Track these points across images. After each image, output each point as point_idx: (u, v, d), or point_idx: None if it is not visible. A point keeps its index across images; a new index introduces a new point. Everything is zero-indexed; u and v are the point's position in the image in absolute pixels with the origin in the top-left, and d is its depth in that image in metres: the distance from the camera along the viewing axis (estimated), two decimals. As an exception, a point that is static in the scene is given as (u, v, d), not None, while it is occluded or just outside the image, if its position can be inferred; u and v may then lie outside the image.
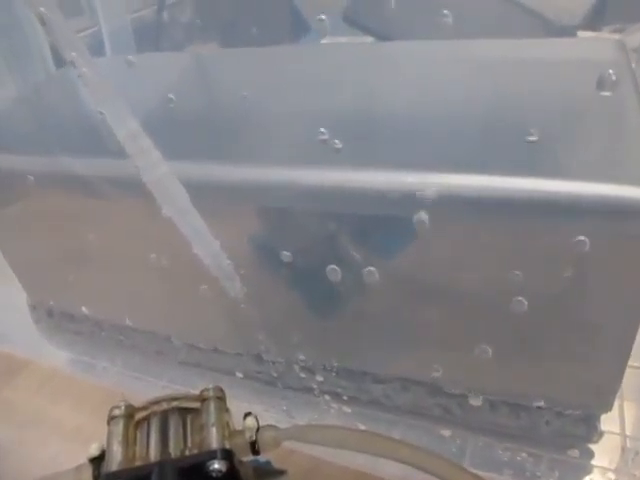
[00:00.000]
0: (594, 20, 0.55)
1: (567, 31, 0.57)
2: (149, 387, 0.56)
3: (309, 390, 0.50)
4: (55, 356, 0.63)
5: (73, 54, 0.26)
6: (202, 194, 0.34)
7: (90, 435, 0.35)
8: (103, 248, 0.48)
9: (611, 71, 0.30)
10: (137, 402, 0.38)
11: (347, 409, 0.49)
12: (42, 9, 0.29)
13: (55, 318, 0.63)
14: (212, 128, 0.43)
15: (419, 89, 0.44)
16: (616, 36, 0.52)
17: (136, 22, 0.73)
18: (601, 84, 0.31)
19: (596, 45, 0.48)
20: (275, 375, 0.50)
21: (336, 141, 0.33)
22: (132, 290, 0.50)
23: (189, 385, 0.55)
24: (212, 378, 0.54)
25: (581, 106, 0.37)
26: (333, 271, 0.37)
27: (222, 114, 0.46)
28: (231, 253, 0.36)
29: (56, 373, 0.59)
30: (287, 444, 0.40)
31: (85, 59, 0.26)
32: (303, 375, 0.48)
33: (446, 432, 0.46)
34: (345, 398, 0.48)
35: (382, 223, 0.37)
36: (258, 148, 0.38)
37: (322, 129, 0.33)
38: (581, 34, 0.55)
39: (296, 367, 0.46)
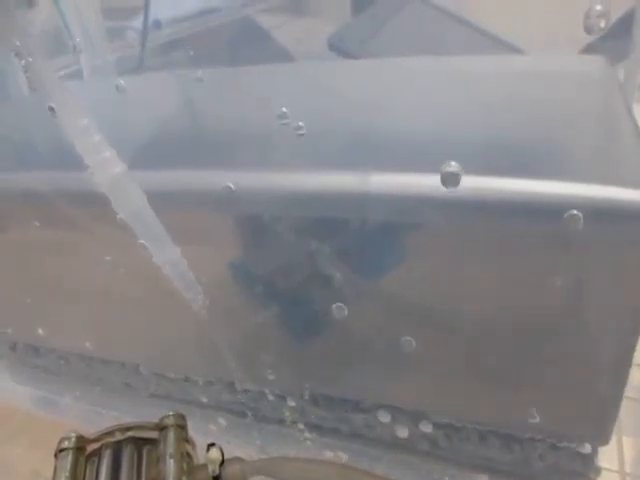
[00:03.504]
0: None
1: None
2: (115, 423, 0.52)
3: (287, 423, 0.46)
4: (17, 392, 0.59)
5: (17, 42, 0.24)
6: (161, 201, 0.32)
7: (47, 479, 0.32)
8: (63, 274, 0.45)
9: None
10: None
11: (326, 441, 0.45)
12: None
13: (18, 352, 0.59)
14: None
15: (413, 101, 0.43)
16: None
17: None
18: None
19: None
20: (250, 406, 0.46)
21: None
22: (96, 317, 0.47)
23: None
24: (184, 411, 0.51)
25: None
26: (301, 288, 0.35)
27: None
28: (192, 263, 0.34)
29: (16, 411, 0.56)
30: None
31: (31, 47, 0.24)
32: (280, 406, 0.45)
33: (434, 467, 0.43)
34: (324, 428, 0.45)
35: (368, 242, 0.34)
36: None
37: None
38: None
39: (269, 395, 0.43)
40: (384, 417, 0.42)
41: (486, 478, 0.41)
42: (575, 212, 0.25)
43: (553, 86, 0.38)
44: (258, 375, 0.42)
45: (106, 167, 0.28)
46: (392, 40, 0.66)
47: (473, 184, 0.28)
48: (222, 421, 0.49)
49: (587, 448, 0.37)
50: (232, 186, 0.31)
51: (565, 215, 0.26)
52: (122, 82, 0.34)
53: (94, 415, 0.54)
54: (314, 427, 0.44)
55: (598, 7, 0.23)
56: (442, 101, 0.39)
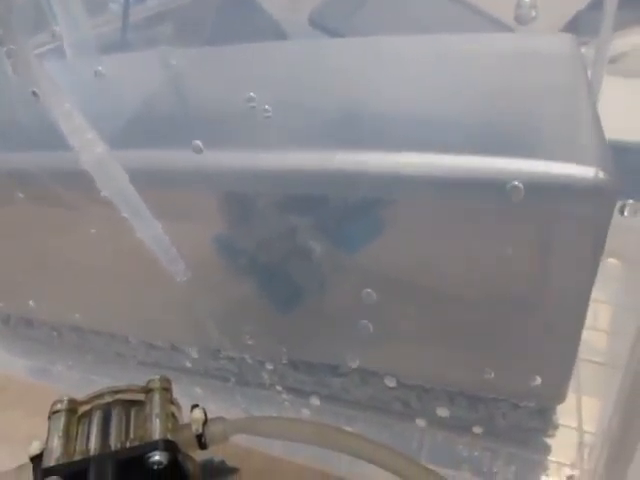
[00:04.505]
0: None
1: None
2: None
3: (269, 386, 0.49)
4: (11, 363, 0.61)
5: (-1, 30, 0.25)
6: (141, 178, 0.34)
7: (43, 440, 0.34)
8: (50, 247, 0.47)
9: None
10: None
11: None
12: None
13: (11, 325, 0.61)
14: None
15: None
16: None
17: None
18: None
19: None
20: (234, 372, 0.49)
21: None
22: (84, 289, 0.49)
23: (148, 386, 0.53)
24: (172, 377, 0.53)
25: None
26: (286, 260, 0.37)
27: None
28: (173, 236, 0.36)
29: (11, 381, 0.58)
30: (243, 442, 0.39)
31: (12, 35, 0.26)
32: (262, 371, 0.47)
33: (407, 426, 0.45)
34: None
35: (347, 215, 0.36)
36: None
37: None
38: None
39: (251, 361, 0.45)
40: (358, 381, 0.45)
41: (452, 435, 0.45)
42: (516, 183, 0.27)
43: (514, 65, 0.40)
44: (239, 341, 0.45)
45: (90, 148, 0.30)
46: (376, 16, 0.67)
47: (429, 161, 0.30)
48: (207, 385, 0.51)
49: (546, 407, 0.40)
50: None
51: (507, 186, 0.28)
52: (100, 68, 0.35)
53: (86, 382, 0.56)
54: (292, 390, 0.47)
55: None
56: (408, 80, 0.40)
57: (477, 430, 0.43)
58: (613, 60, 0.57)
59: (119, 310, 0.49)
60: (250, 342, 0.43)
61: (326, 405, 0.47)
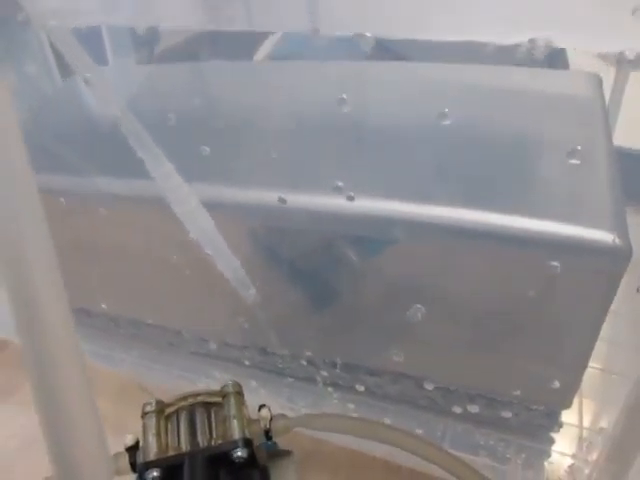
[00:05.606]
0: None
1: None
2: (163, 375, 0.62)
3: (310, 379, 0.56)
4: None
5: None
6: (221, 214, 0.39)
7: (113, 420, 0.41)
8: (124, 252, 0.53)
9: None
10: (153, 389, 0.43)
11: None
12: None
13: (73, 314, 0.67)
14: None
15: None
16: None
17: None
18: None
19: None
20: (279, 366, 0.56)
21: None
22: (153, 291, 0.55)
23: (200, 373, 0.61)
24: (222, 367, 0.60)
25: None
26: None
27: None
28: (247, 266, 0.42)
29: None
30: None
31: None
32: (306, 366, 0.54)
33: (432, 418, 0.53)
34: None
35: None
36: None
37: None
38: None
39: (300, 360, 0.52)
40: (390, 380, 0.52)
41: (471, 427, 0.52)
42: (555, 263, 0.34)
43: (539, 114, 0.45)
44: (292, 346, 0.51)
45: (183, 203, 0.35)
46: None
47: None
48: (257, 377, 0.58)
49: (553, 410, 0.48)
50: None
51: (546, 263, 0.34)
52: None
53: (144, 369, 0.63)
54: (332, 384, 0.54)
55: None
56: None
57: (492, 424, 0.50)
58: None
59: (186, 312, 0.56)
60: (301, 347, 0.50)
61: (362, 398, 0.55)
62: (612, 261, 0.35)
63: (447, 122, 0.40)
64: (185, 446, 0.41)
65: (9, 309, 0.25)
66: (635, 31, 0.26)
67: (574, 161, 0.40)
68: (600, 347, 0.56)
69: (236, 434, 0.41)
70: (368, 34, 0.32)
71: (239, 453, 0.40)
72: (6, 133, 0.20)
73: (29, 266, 0.22)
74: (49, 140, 0.53)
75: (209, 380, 0.59)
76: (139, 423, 0.42)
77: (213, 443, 0.41)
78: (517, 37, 0.29)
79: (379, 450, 0.51)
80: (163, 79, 0.61)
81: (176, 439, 0.41)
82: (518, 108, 0.47)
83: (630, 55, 0.27)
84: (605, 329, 0.57)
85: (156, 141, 0.36)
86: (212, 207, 0.42)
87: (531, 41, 0.28)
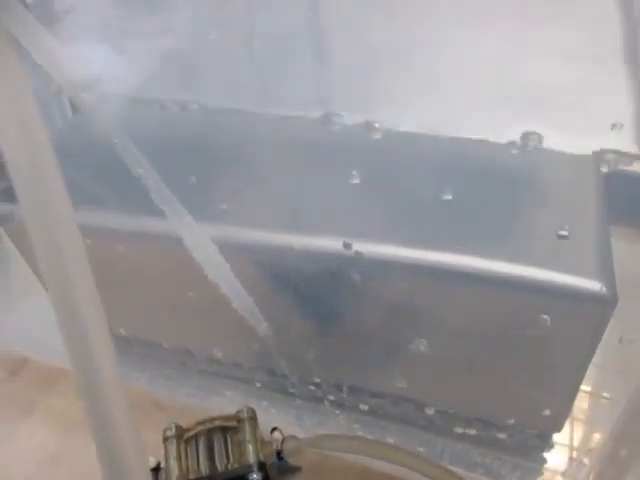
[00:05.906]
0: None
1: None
2: (175, 392, 0.65)
3: (317, 400, 0.59)
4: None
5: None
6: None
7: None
8: (143, 285, 0.56)
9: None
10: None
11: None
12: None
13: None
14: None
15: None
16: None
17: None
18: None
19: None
20: (290, 390, 0.59)
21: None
22: (171, 319, 0.58)
23: (211, 391, 0.64)
24: (231, 385, 0.64)
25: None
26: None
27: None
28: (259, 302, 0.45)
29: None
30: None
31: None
32: (313, 390, 0.58)
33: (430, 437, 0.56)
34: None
35: None
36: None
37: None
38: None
39: (308, 385, 0.56)
40: (391, 402, 0.55)
41: (469, 446, 0.56)
42: (544, 315, 0.37)
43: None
44: (300, 369, 0.55)
45: (203, 250, 0.39)
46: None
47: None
48: (263, 396, 0.62)
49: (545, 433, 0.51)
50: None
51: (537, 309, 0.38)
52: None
53: (157, 387, 0.66)
54: (336, 404, 0.58)
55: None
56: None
57: (489, 444, 0.54)
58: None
59: (198, 334, 0.59)
60: (309, 372, 0.53)
61: (366, 417, 0.58)
62: (600, 308, 0.39)
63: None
64: (204, 470, 0.44)
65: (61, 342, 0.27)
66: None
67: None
68: (590, 372, 0.60)
69: (251, 458, 0.44)
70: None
71: (254, 476, 0.43)
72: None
73: (76, 298, 0.25)
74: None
75: (221, 399, 0.62)
76: (152, 439, 0.45)
77: (230, 467, 0.44)
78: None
79: (386, 465, 0.54)
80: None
81: (196, 463, 0.45)
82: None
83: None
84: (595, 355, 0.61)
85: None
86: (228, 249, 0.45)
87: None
